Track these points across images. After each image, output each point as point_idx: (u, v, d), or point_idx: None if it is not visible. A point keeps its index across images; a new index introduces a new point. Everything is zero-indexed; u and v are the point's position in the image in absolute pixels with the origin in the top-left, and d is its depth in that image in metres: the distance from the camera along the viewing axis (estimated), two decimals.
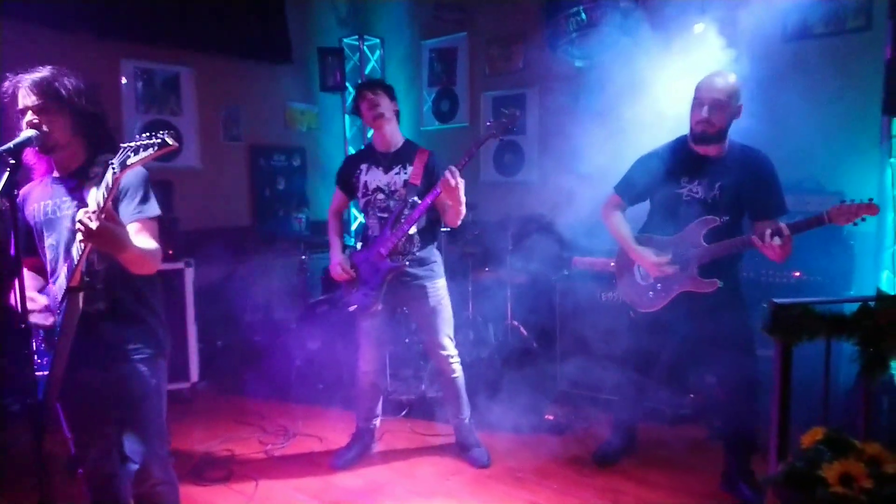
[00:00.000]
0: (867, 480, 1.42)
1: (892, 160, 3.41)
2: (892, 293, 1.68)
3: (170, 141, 1.58)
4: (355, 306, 3.04)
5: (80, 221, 1.65)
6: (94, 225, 1.63)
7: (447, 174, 2.69)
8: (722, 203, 2.66)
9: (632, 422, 3.19)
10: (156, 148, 1.58)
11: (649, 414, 3.45)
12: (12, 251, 1.67)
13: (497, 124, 2.83)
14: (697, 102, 2.63)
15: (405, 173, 3.00)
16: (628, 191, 2.91)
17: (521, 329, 4.34)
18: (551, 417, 3.59)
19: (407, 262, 2.98)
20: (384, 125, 2.99)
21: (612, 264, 3.16)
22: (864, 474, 1.43)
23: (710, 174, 2.68)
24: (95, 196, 1.67)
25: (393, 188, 3.00)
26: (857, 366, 1.68)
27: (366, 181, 3.05)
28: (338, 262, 3.06)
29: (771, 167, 2.67)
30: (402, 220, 2.93)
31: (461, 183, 2.71)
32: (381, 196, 3.01)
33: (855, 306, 1.68)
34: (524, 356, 4.11)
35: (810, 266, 3.37)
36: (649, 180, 2.81)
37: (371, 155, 3.09)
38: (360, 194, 3.08)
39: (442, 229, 3.27)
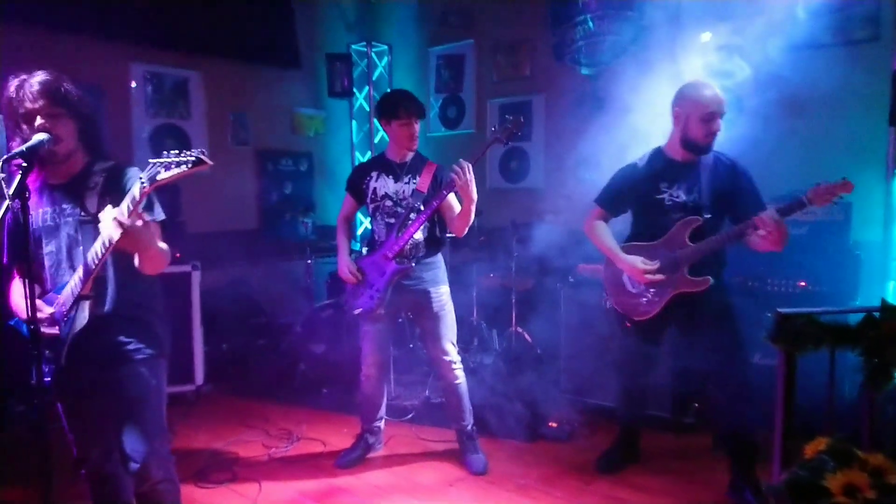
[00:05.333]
0: (870, 491, 1.41)
1: None
2: None
3: (205, 159, 1.57)
4: (360, 310, 3.06)
5: (116, 220, 1.68)
6: (128, 222, 1.66)
7: (458, 168, 2.75)
8: (703, 204, 2.71)
9: (634, 430, 3.19)
10: (189, 165, 1.58)
11: (653, 422, 3.44)
12: (6, 258, 1.68)
13: (502, 130, 2.89)
14: (711, 115, 2.63)
15: (414, 183, 3.05)
16: (610, 201, 2.96)
17: (526, 335, 4.33)
18: (555, 425, 3.58)
19: (413, 264, 3.01)
20: (415, 147, 3.10)
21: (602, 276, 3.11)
22: (867, 485, 1.42)
23: (688, 178, 2.74)
24: (120, 206, 1.70)
25: (401, 196, 3.05)
26: (861, 376, 1.68)
27: (375, 188, 3.10)
28: (346, 264, 3.13)
29: (744, 168, 2.74)
30: (409, 224, 2.96)
31: (472, 179, 2.77)
32: (389, 203, 3.06)
33: (860, 317, 1.67)
34: (528, 363, 4.11)
35: (816, 276, 3.36)
36: (630, 190, 2.87)
37: (382, 163, 3.15)
38: (368, 200, 3.13)
39: (447, 235, 3.30)
